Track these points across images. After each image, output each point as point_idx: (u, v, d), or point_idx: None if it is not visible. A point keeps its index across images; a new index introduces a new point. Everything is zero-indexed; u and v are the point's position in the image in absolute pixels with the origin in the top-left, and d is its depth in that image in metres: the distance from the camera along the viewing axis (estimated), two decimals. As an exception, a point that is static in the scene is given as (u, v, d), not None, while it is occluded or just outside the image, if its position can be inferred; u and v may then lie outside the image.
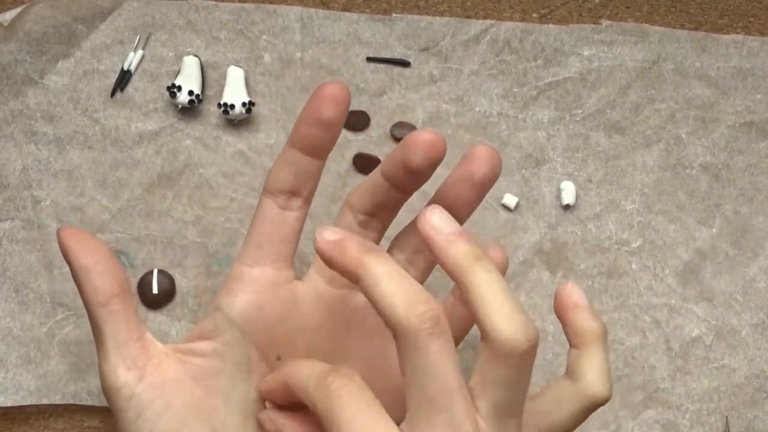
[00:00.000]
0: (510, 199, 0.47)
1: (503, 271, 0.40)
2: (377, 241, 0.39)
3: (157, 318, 0.46)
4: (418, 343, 0.31)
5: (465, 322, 0.39)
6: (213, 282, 0.46)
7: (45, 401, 0.45)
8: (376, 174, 0.38)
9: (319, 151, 0.37)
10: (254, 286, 0.38)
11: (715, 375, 0.47)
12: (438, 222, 0.33)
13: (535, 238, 0.47)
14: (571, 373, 0.36)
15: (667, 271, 0.47)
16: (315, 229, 0.33)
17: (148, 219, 0.47)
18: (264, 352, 0.38)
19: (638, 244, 0.47)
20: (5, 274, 0.46)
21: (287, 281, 0.38)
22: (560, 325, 0.47)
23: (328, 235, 0.34)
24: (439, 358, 0.31)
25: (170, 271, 0.46)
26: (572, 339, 0.37)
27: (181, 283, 0.46)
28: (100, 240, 0.37)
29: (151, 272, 0.46)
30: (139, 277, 0.46)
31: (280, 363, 0.38)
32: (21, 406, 0.46)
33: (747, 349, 0.47)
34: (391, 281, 0.31)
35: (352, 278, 0.33)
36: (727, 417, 0.46)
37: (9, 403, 0.45)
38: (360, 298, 0.39)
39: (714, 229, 0.48)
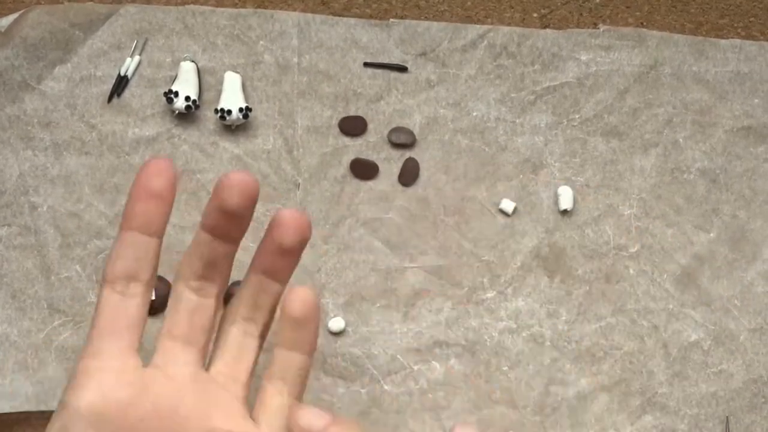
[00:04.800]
0: (507, 204, 0.47)
1: (313, 308, 0.39)
2: (216, 308, 0.39)
3: (155, 324, 0.46)
4: None
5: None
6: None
7: (42, 407, 0.45)
8: (198, 234, 0.37)
9: (155, 228, 0.36)
10: (100, 377, 0.36)
11: (713, 380, 0.47)
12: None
13: (533, 243, 0.47)
14: None
15: (665, 276, 0.47)
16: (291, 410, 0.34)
17: (145, 225, 0.47)
18: None
19: (636, 249, 0.47)
20: (2, 280, 0.46)
21: (134, 368, 0.36)
22: (557, 330, 0.47)
23: (311, 420, 0.35)
24: None
25: (167, 277, 0.46)
26: None
27: (179, 288, 0.46)
28: None
29: (149, 278, 0.46)
30: (136, 282, 0.46)
31: None
32: (18, 413, 0.46)
33: (745, 354, 0.47)
34: None
35: None
36: (728, 417, 0.46)
37: (6, 409, 0.45)
38: (209, 376, 0.38)
39: (712, 234, 0.48)
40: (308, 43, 0.48)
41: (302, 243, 0.37)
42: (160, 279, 0.46)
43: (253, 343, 0.38)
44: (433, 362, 0.46)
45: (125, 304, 0.36)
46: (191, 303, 0.37)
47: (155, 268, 0.37)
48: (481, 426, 0.46)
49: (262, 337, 0.38)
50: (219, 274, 0.38)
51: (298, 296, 0.37)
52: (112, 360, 0.36)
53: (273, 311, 0.39)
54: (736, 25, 0.50)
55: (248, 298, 0.38)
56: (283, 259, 0.37)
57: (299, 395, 0.38)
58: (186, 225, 0.47)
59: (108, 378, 0.36)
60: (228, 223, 0.36)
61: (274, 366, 0.38)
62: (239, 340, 0.38)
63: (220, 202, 0.35)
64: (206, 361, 0.38)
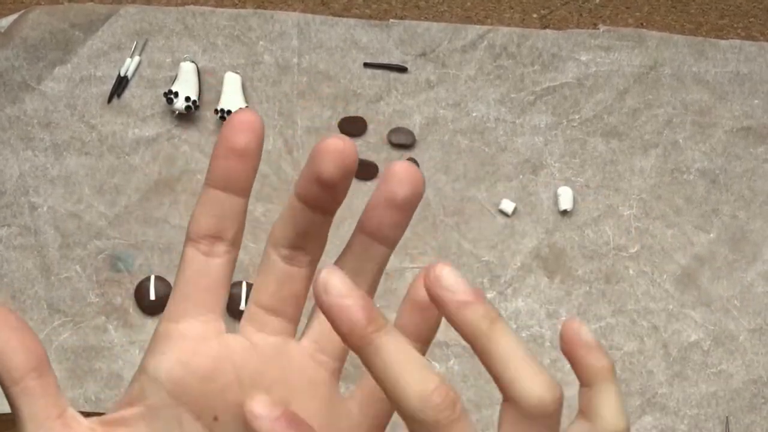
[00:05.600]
0: (507, 205, 0.47)
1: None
2: (309, 277, 0.38)
3: (155, 324, 0.46)
4: None
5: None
6: (210, 288, 0.46)
7: (42, 408, 0.45)
8: (291, 200, 0.36)
9: (239, 187, 0.35)
10: (181, 343, 0.35)
11: (712, 380, 0.47)
12: (448, 282, 0.29)
13: (533, 243, 0.47)
14: (585, 413, 0.35)
15: (664, 277, 0.47)
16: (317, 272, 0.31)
17: (145, 225, 0.47)
18: (198, 413, 0.36)
19: (636, 249, 0.47)
20: (2, 280, 0.46)
21: (217, 334, 0.36)
22: (557, 330, 0.47)
23: (335, 285, 0.31)
24: None
25: (167, 277, 0.46)
26: (583, 378, 0.33)
27: (179, 289, 0.46)
28: (10, 309, 0.35)
29: (149, 278, 0.46)
30: (136, 283, 0.46)
31: (218, 424, 0.36)
32: (18, 413, 0.46)
33: (744, 354, 0.47)
34: (402, 366, 0.29)
35: (354, 350, 0.30)
36: (727, 417, 0.46)
37: (6, 410, 0.45)
38: (297, 347, 0.37)
39: (712, 234, 0.48)
40: (308, 44, 0.48)
41: (416, 198, 0.35)
42: (161, 279, 0.46)
43: None
44: (433, 362, 0.46)
45: (208, 265, 0.36)
46: (281, 271, 0.36)
47: (241, 227, 0.36)
48: (481, 426, 0.46)
49: None
50: (313, 244, 0.37)
51: (432, 273, 0.36)
52: (195, 325, 0.35)
53: (376, 280, 0.37)
54: (735, 25, 0.50)
55: (351, 263, 0.37)
56: (395, 215, 0.36)
57: None
58: (185, 225, 0.47)
59: (189, 345, 0.35)
60: (322, 193, 0.35)
61: None
62: None
63: (314, 171, 0.34)
64: (297, 331, 0.37)
